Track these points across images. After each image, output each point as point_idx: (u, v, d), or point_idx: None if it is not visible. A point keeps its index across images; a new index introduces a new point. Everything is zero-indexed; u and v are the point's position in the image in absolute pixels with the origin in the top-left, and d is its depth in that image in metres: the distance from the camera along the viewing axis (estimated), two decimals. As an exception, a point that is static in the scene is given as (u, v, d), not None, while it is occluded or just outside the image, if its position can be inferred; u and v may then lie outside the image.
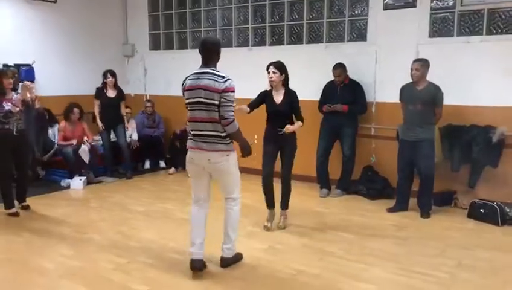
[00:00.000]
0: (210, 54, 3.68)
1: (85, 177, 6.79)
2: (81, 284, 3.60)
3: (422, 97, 5.26)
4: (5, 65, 6.47)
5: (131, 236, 4.71)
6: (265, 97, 4.86)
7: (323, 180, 6.36)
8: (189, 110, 3.71)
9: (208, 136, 3.66)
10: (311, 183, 6.58)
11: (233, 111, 3.62)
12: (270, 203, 4.96)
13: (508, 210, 5.08)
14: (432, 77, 5.60)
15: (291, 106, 4.76)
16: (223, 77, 3.59)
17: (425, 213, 5.36)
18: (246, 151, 3.83)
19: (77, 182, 6.68)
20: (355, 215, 5.45)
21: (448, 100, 5.68)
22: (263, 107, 4.89)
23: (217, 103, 3.57)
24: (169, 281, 3.68)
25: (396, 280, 3.71)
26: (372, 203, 5.91)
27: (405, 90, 5.47)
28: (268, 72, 4.74)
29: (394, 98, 6.16)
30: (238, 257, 4.01)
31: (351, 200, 6.08)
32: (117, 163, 7.43)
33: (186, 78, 3.73)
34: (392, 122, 6.14)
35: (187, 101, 3.70)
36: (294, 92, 4.85)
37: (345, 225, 5.05)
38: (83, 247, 4.41)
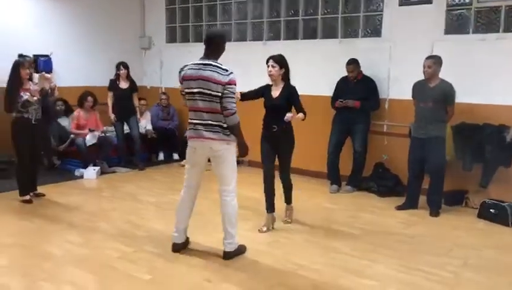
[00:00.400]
0: (214, 47, 3.75)
1: (99, 167, 6.91)
2: (85, 270, 3.68)
3: (433, 95, 5.20)
4: (20, 55, 6.58)
5: (139, 226, 4.78)
6: (264, 90, 4.75)
7: (333, 177, 6.34)
8: (190, 99, 3.77)
9: (211, 125, 3.73)
10: (321, 179, 6.59)
11: (235, 103, 3.68)
12: (270, 206, 4.73)
13: (519, 211, 5.00)
14: (446, 74, 5.52)
15: (288, 101, 4.60)
16: (226, 70, 3.66)
17: (434, 212, 5.30)
18: (242, 149, 3.88)
19: (91, 172, 6.80)
20: (363, 212, 5.43)
21: (462, 98, 5.63)
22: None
23: (220, 94, 3.63)
24: (172, 271, 3.73)
25: (398, 277, 3.69)
26: (382, 201, 5.88)
27: (417, 87, 5.41)
28: (268, 66, 4.62)
29: (408, 95, 6.09)
30: (241, 250, 4.04)
31: (361, 197, 6.05)
32: (131, 154, 7.52)
33: (185, 66, 3.79)
34: (405, 120, 6.08)
35: (187, 90, 3.76)
36: (294, 87, 4.69)
37: (352, 222, 5.04)
38: (91, 235, 4.50)
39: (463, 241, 4.50)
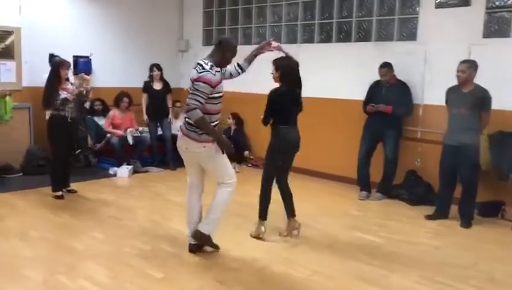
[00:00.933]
0: (216, 48, 3.88)
1: (132, 166, 7.07)
2: (101, 265, 3.76)
3: (467, 100, 4.99)
4: (52, 55, 6.85)
5: (161, 225, 4.85)
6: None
7: (363, 183, 6.19)
8: None
9: (188, 123, 3.84)
10: (352, 185, 6.45)
11: (197, 101, 3.65)
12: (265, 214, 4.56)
13: (557, 225, 4.70)
14: (484, 79, 5.29)
15: None
16: (203, 68, 3.71)
17: (465, 223, 5.08)
18: (222, 146, 3.84)
19: (124, 171, 6.96)
20: (390, 220, 5.28)
21: (500, 105, 5.38)
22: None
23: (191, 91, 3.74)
24: (185, 271, 3.75)
25: (415, 288, 3.56)
26: (412, 209, 5.69)
27: (450, 93, 5.22)
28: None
29: (443, 100, 5.89)
30: (208, 240, 4.04)
31: (391, 205, 5.88)
32: (164, 154, 7.65)
33: None
34: (439, 126, 5.85)
35: None
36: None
37: (377, 230, 4.90)
38: (114, 232, 4.61)
39: (492, 255, 4.28)
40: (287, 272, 3.77)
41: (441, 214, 5.30)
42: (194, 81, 3.71)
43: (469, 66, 4.98)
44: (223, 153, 3.89)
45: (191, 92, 3.74)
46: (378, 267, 3.92)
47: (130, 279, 3.57)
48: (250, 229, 4.57)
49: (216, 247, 4.11)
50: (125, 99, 7.31)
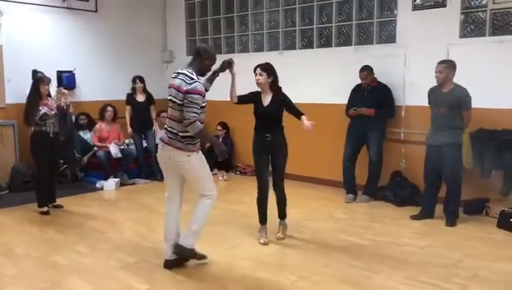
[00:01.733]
0: (194, 57, 3.87)
1: (118, 179, 7.06)
2: (85, 280, 3.75)
3: (447, 100, 5.05)
4: (34, 71, 6.86)
5: (147, 237, 4.84)
6: (254, 97, 4.64)
7: (349, 186, 6.22)
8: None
9: (172, 133, 3.80)
10: (338, 188, 6.47)
11: (195, 112, 3.64)
12: (264, 219, 4.70)
13: (539, 220, 4.75)
14: (462, 78, 5.37)
15: (280, 108, 4.55)
16: (192, 79, 3.68)
17: (450, 221, 5.11)
18: (219, 152, 3.93)
19: (110, 184, 6.95)
20: (376, 222, 5.31)
21: (479, 103, 5.43)
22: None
23: (180, 102, 3.67)
24: (169, 282, 3.75)
25: (398, 288, 3.57)
26: (398, 210, 5.72)
27: (431, 93, 5.28)
28: (256, 74, 4.55)
29: (424, 101, 5.95)
30: (191, 254, 3.98)
31: (377, 207, 5.91)
32: (150, 166, 7.63)
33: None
34: (422, 127, 5.91)
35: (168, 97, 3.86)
36: (285, 94, 4.62)
37: (363, 232, 4.92)
38: (99, 245, 4.59)
39: (476, 252, 4.31)
40: (273, 279, 3.78)
41: (426, 214, 5.33)
42: (186, 93, 3.63)
43: (446, 67, 5.04)
44: (220, 158, 3.97)
45: (186, 104, 3.64)
46: (363, 269, 3.94)
47: (115, 291, 3.57)
48: (237, 237, 4.58)
49: (203, 257, 4.08)
50: (109, 108, 7.34)
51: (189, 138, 3.75)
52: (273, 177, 4.67)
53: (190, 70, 3.76)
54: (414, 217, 5.36)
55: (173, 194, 4.04)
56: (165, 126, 3.93)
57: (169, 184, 4.04)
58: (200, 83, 3.71)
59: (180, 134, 3.75)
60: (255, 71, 4.56)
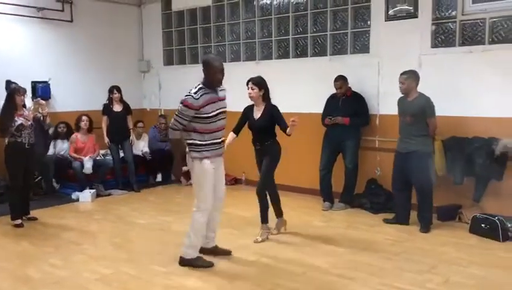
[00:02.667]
0: (203, 70, 4.10)
1: (94, 190, 6.98)
2: (59, 293, 3.70)
3: (411, 109, 5.21)
4: (8, 81, 6.77)
5: (122, 247, 4.80)
6: (247, 113, 4.95)
7: (325, 194, 6.28)
8: None
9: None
10: (315, 196, 6.52)
11: (177, 121, 4.00)
12: (264, 218, 5.02)
13: (509, 225, 4.86)
14: (433, 87, 5.55)
15: (270, 121, 4.81)
16: (189, 92, 3.96)
17: (424, 228, 5.20)
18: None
19: (86, 195, 6.87)
20: (352, 229, 5.36)
21: (451, 111, 5.60)
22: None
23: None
24: (146, 292, 3.72)
25: (374, 295, 3.62)
26: (374, 217, 5.79)
27: (399, 102, 5.43)
28: (248, 88, 4.77)
29: (397, 109, 6.08)
30: (190, 262, 4.17)
31: (354, 214, 5.97)
32: (127, 176, 7.58)
33: None
34: (396, 135, 5.98)
35: None
36: (275, 106, 4.87)
37: (339, 239, 4.97)
38: (73, 257, 4.53)
39: (449, 258, 4.39)
40: (249, 288, 3.78)
41: (399, 219, 5.42)
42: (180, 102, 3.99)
43: (407, 77, 5.21)
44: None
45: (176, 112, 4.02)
46: (338, 276, 3.97)
47: (89, 304, 3.52)
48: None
49: (209, 264, 4.20)
50: (84, 118, 7.27)
51: (193, 145, 4.04)
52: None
53: (197, 84, 4.03)
54: (387, 221, 5.46)
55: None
56: None
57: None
58: (192, 97, 3.92)
59: (187, 141, 4.09)
60: (247, 85, 4.77)
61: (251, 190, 7.22)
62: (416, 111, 5.15)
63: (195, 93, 3.93)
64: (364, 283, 3.83)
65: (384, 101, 6.22)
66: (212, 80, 4.03)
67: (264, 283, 3.85)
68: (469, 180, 5.50)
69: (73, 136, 7.32)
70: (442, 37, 5.83)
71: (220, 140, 4.18)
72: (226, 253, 4.42)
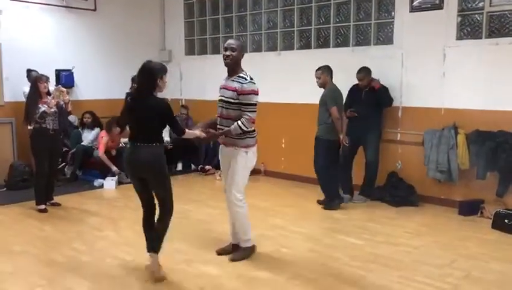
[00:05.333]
0: None
1: (116, 178, 7.08)
2: (82, 277, 3.78)
3: (320, 99, 5.80)
4: (29, 70, 6.89)
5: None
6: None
7: (345, 186, 6.25)
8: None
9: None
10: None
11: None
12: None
13: (533, 221, 4.79)
14: (458, 80, 5.52)
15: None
16: (245, 79, 3.96)
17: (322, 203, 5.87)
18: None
19: (109, 182, 6.98)
20: (372, 222, 5.34)
21: (475, 105, 5.55)
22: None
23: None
24: (167, 279, 3.76)
25: (392, 287, 3.61)
26: (394, 211, 5.76)
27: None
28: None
29: (421, 102, 6.04)
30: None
31: (373, 207, 5.94)
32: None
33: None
34: (418, 127, 6.00)
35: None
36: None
37: (358, 231, 4.96)
38: (96, 243, 4.62)
39: (470, 253, 4.34)
40: (271, 278, 3.80)
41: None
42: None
43: (321, 72, 5.76)
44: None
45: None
46: (357, 268, 3.97)
47: (110, 289, 3.59)
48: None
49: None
50: (118, 129, 7.30)
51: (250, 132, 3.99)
52: None
53: (244, 71, 3.98)
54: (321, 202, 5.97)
55: None
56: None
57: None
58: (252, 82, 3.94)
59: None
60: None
61: (270, 181, 7.33)
62: (322, 101, 5.75)
63: (251, 78, 3.92)
64: (382, 275, 3.82)
65: (408, 94, 6.16)
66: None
67: (283, 273, 3.87)
68: (492, 175, 5.42)
69: (104, 137, 7.22)
70: (468, 29, 5.72)
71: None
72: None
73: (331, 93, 5.69)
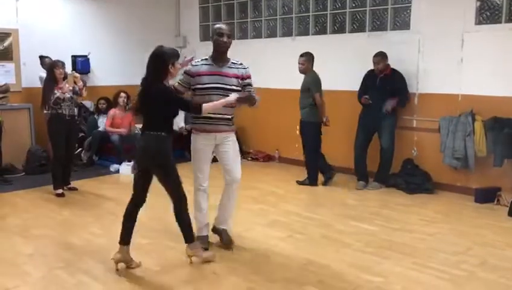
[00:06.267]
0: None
1: (132, 163, 7.14)
2: (99, 260, 3.85)
3: (302, 85, 6.13)
4: (41, 56, 6.96)
5: (160, 219, 4.92)
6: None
7: (360, 173, 6.24)
8: None
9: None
10: (350, 175, 6.48)
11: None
12: None
13: (550, 209, 4.73)
14: (477, 65, 5.46)
15: None
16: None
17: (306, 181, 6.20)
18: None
19: (125, 168, 7.05)
20: (386, 208, 5.32)
21: (493, 91, 5.49)
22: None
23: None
24: (181, 263, 3.82)
25: (407, 274, 3.61)
26: (409, 198, 5.73)
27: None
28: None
29: (438, 88, 5.98)
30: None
31: (387, 194, 5.92)
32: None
33: None
34: (435, 114, 5.94)
35: None
36: None
37: (372, 218, 4.96)
38: (112, 227, 4.66)
39: (486, 240, 4.32)
40: (282, 262, 3.83)
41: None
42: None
43: (306, 59, 6.07)
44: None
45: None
46: (371, 255, 3.98)
47: (127, 272, 3.66)
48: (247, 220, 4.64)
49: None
50: (122, 94, 7.42)
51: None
52: None
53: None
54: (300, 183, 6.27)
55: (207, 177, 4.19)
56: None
57: (206, 168, 4.19)
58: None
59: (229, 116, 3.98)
60: None
61: (283, 168, 7.34)
62: (304, 87, 6.08)
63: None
64: (397, 262, 3.82)
65: (424, 80, 6.09)
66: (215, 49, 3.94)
67: (296, 258, 3.89)
68: (509, 162, 5.36)
69: (112, 111, 7.48)
70: (487, 13, 5.61)
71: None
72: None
73: (315, 81, 6.05)
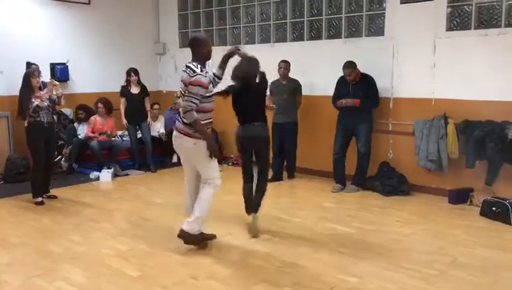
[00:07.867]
0: (192, 51, 4.10)
1: (112, 170, 7.16)
2: (78, 267, 3.87)
3: (286, 89, 6.62)
4: (28, 63, 6.93)
5: (140, 226, 4.96)
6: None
7: (338, 176, 6.35)
8: None
9: (183, 121, 4.05)
10: (328, 178, 6.60)
11: (192, 102, 3.92)
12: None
13: (520, 209, 4.90)
14: (447, 70, 5.65)
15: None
16: (194, 72, 3.94)
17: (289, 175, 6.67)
18: (210, 149, 4.03)
19: (105, 174, 7.06)
20: (363, 211, 5.44)
21: (464, 95, 5.63)
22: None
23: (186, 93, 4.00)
24: (161, 268, 3.86)
25: (381, 274, 3.71)
26: (385, 200, 5.86)
27: (271, 85, 6.35)
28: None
29: (412, 92, 6.13)
30: (196, 239, 4.20)
31: (365, 196, 6.04)
32: (144, 157, 7.74)
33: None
34: (409, 118, 6.09)
35: None
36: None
37: (349, 220, 5.06)
38: (92, 234, 4.71)
39: (458, 240, 4.45)
40: (260, 265, 3.91)
41: (275, 177, 6.67)
42: (188, 84, 3.94)
43: (289, 65, 6.66)
44: (211, 157, 4.07)
45: (186, 95, 3.97)
46: (347, 256, 4.07)
47: (107, 278, 3.68)
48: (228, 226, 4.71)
49: (212, 237, 4.33)
50: (99, 105, 7.44)
51: (190, 125, 4.01)
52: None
53: (195, 64, 4.00)
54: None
55: (188, 176, 4.37)
56: (181, 115, 4.06)
57: (184, 167, 4.41)
58: (202, 75, 3.94)
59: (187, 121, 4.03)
60: None
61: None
62: (290, 90, 6.61)
63: (201, 71, 3.95)
64: (371, 262, 3.93)
65: (398, 84, 6.24)
66: (206, 56, 4.10)
67: (273, 261, 3.97)
68: (481, 163, 5.52)
69: (93, 118, 7.48)
70: (457, 20, 5.79)
71: (211, 120, 4.19)
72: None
73: (299, 85, 6.74)
